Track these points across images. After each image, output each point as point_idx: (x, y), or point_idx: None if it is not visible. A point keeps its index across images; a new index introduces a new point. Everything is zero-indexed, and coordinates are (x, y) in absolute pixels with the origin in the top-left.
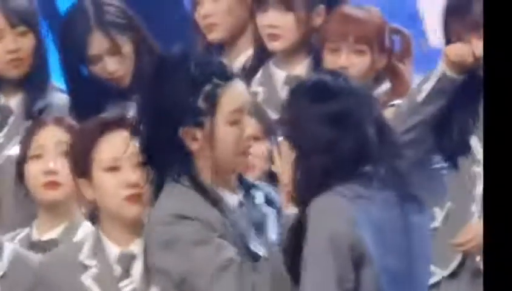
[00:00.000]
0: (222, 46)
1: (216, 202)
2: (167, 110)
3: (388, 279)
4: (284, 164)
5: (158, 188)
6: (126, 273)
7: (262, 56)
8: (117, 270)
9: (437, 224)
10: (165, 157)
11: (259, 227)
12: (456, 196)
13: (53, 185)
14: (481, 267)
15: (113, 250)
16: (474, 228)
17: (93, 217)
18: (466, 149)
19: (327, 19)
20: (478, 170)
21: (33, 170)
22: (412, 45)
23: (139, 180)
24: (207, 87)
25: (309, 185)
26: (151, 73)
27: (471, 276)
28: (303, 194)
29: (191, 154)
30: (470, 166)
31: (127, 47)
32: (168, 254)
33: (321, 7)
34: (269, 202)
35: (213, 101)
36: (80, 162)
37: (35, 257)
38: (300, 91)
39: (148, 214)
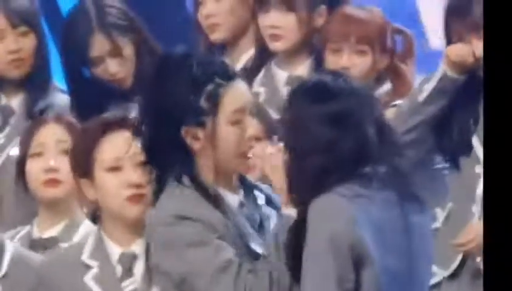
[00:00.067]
0: (224, 47)
1: (217, 202)
2: (169, 109)
3: (388, 279)
4: (276, 168)
5: (159, 188)
6: (128, 273)
7: (264, 56)
8: (119, 270)
9: (438, 224)
10: (167, 157)
11: (260, 228)
12: (457, 197)
13: (54, 182)
14: (482, 267)
15: (115, 250)
16: (474, 229)
17: (95, 217)
18: (467, 149)
19: (329, 20)
20: (480, 170)
21: (34, 167)
22: (414, 46)
23: (140, 180)
24: (209, 87)
25: (308, 185)
26: (153, 72)
27: (471, 276)
28: (303, 195)
29: (193, 154)
30: (471, 166)
31: (129, 49)
32: (168, 254)
33: (323, 8)
34: (269, 202)
35: (215, 101)
36: (82, 162)
37: (36, 257)
38: (300, 92)
39: (150, 215)
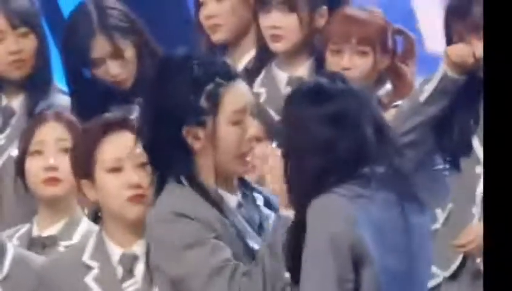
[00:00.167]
0: (226, 47)
1: (216, 202)
2: (170, 109)
3: (388, 279)
4: (273, 169)
5: (159, 188)
6: (129, 274)
7: (264, 56)
8: (120, 271)
9: (438, 225)
10: (168, 157)
11: (260, 228)
12: (457, 197)
13: (53, 181)
14: (482, 268)
15: (116, 250)
16: (474, 230)
17: (95, 218)
18: (468, 150)
19: (330, 20)
20: (480, 170)
21: (33, 166)
22: (415, 46)
23: (141, 181)
24: (210, 86)
25: (307, 186)
26: (155, 74)
27: (471, 277)
28: (302, 196)
29: (193, 154)
30: (471, 167)
31: (130, 51)
32: (165, 254)
33: (324, 8)
34: (267, 204)
35: (215, 100)
36: (83, 163)
37: (38, 258)
38: (297, 94)
39: (149, 213)
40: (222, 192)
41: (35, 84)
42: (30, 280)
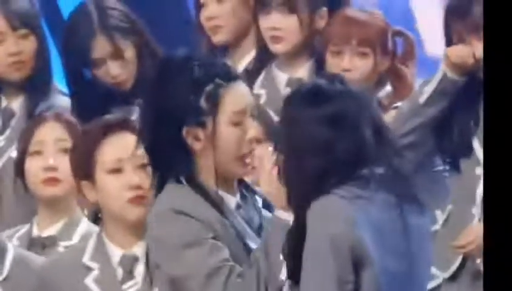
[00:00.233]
0: (226, 49)
1: (216, 203)
2: (170, 110)
3: (388, 281)
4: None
5: (160, 189)
6: (129, 275)
7: (264, 58)
8: (120, 272)
9: (437, 226)
10: (168, 158)
11: (259, 229)
12: (457, 198)
13: (53, 181)
14: (482, 269)
15: (116, 252)
16: (474, 231)
17: (95, 219)
18: (468, 151)
19: (330, 22)
20: (480, 172)
21: (33, 166)
22: (415, 48)
23: (142, 182)
24: (209, 87)
25: (307, 188)
26: (155, 75)
27: (471, 278)
28: (301, 198)
29: (193, 154)
30: (471, 168)
31: (130, 51)
32: (164, 253)
33: (324, 10)
34: (266, 206)
35: (214, 101)
36: (84, 164)
37: (38, 259)
38: (296, 95)
39: (149, 213)
40: (222, 193)
41: (35, 85)
42: (30, 281)
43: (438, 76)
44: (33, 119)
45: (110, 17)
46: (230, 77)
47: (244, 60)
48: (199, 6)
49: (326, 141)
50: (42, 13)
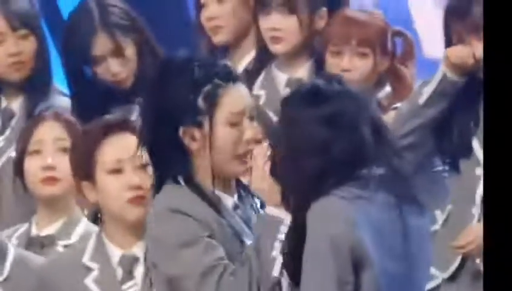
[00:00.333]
0: (226, 49)
1: (213, 203)
2: (168, 109)
3: (387, 281)
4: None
5: (158, 189)
6: (129, 276)
7: (264, 58)
8: (120, 272)
9: (437, 226)
10: (166, 158)
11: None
12: (457, 199)
13: (51, 180)
14: (482, 269)
15: (116, 252)
16: (474, 231)
17: (95, 219)
18: (468, 151)
19: (330, 22)
20: (480, 172)
21: (32, 165)
22: (414, 48)
23: (142, 182)
24: (208, 87)
25: (306, 188)
26: (155, 74)
27: (471, 278)
28: (301, 198)
29: (190, 154)
30: (471, 168)
31: (130, 49)
32: (162, 250)
33: (324, 10)
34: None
35: (212, 101)
36: (84, 165)
37: (38, 259)
38: (294, 96)
39: (149, 214)
40: (219, 193)
41: (35, 86)
42: (30, 282)
43: (438, 77)
44: (32, 118)
45: (110, 14)
46: (229, 78)
47: (244, 60)
48: (199, 7)
49: (325, 141)
50: (42, 13)
